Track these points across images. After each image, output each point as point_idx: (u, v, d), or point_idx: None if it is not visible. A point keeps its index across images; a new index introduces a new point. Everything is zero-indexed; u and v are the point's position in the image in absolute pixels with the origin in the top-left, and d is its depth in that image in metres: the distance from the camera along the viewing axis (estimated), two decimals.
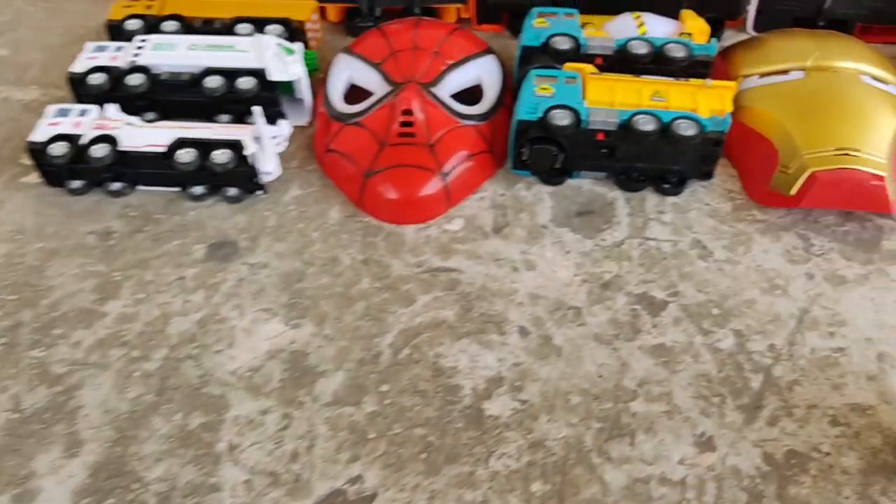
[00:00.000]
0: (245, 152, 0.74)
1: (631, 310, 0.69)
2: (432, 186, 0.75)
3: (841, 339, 0.66)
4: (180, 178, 0.77)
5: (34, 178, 0.79)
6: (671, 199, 0.78)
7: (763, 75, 0.81)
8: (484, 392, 0.63)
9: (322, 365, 0.65)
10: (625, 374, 0.64)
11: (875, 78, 0.79)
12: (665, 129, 0.73)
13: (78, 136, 0.76)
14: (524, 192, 0.79)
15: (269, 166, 0.76)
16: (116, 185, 0.78)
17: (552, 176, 0.79)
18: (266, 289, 0.71)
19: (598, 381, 0.64)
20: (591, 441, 0.60)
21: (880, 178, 0.71)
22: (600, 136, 0.75)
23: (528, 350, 0.66)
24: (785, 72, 0.80)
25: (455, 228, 0.76)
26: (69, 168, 0.76)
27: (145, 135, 0.77)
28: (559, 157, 0.76)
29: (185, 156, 0.75)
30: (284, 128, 0.80)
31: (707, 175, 0.77)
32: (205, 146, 0.75)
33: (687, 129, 0.73)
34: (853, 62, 0.80)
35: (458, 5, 0.96)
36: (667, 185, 0.78)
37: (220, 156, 0.74)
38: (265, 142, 0.77)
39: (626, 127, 0.73)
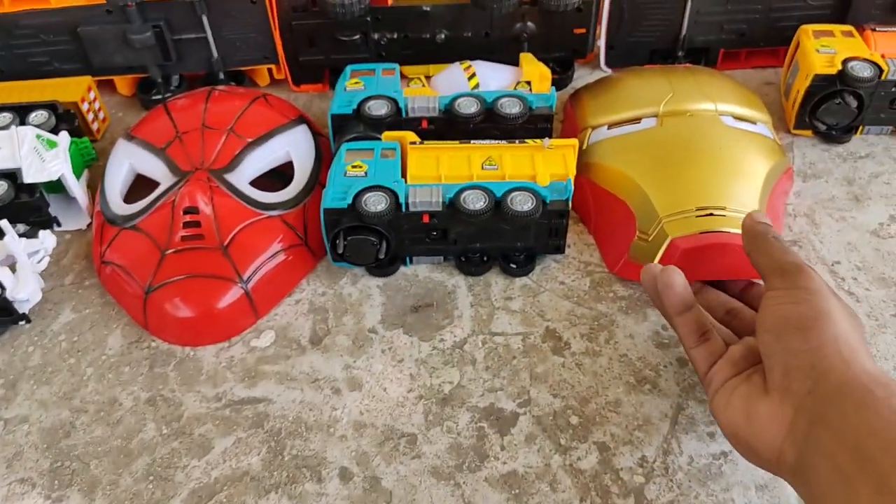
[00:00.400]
0: None
1: (476, 429, 0.57)
2: (230, 297, 0.62)
3: (723, 441, 0.56)
4: None
5: None
6: (520, 281, 0.67)
7: (612, 126, 0.71)
8: None
9: None
10: None
11: (738, 117, 0.69)
12: (498, 205, 0.62)
13: None
14: (349, 287, 0.67)
15: (25, 291, 0.62)
16: None
17: (380, 266, 0.66)
18: (25, 453, 0.57)
19: None
20: None
21: None
22: (426, 219, 0.63)
23: (350, 499, 0.53)
24: (636, 120, 0.70)
25: (265, 344, 0.63)
26: None
27: None
28: (381, 247, 0.64)
29: None
30: (47, 240, 0.65)
31: (557, 249, 0.66)
32: None
33: (523, 204, 0.62)
34: (712, 102, 0.70)
35: (270, 65, 0.83)
36: (514, 265, 0.66)
37: None
38: (20, 261, 0.62)
39: (454, 206, 0.62)
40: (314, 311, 0.65)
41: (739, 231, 0.56)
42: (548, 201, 0.62)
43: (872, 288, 0.65)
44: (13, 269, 0.62)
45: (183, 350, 0.62)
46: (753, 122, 0.70)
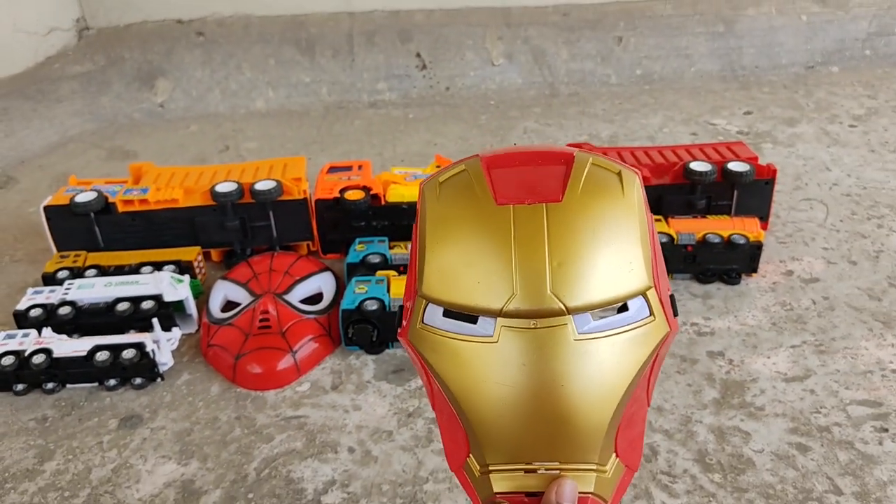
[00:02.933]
0: (147, 349, 1.04)
1: (427, 429, 0.99)
2: (286, 362, 1.06)
3: None
4: (98, 375, 1.05)
5: None
6: None
7: (447, 312, 0.55)
8: (322, 490, 0.90)
9: (205, 486, 0.91)
10: (420, 469, 0.93)
11: (599, 308, 0.54)
12: None
13: (22, 352, 1.05)
14: (354, 361, 1.11)
15: (164, 358, 1.06)
16: (50, 385, 1.05)
17: (373, 347, 1.11)
18: (164, 443, 0.98)
19: (402, 474, 0.92)
20: None
21: (584, 497, 0.51)
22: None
23: (353, 461, 0.94)
24: (472, 317, 0.54)
25: (304, 389, 1.06)
26: (15, 374, 1.04)
27: (72, 345, 1.06)
28: (374, 333, 1.09)
29: (102, 356, 1.04)
30: (176, 332, 1.10)
31: None
32: (116, 348, 1.05)
33: None
34: (563, 299, 0.52)
35: (307, 241, 1.32)
36: None
37: (128, 353, 1.04)
38: (162, 342, 1.07)
39: None
40: (333, 372, 1.09)
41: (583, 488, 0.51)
42: None
43: (666, 358, 1.09)
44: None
45: (255, 393, 1.05)
46: (623, 307, 0.54)
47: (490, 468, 0.52)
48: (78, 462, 0.95)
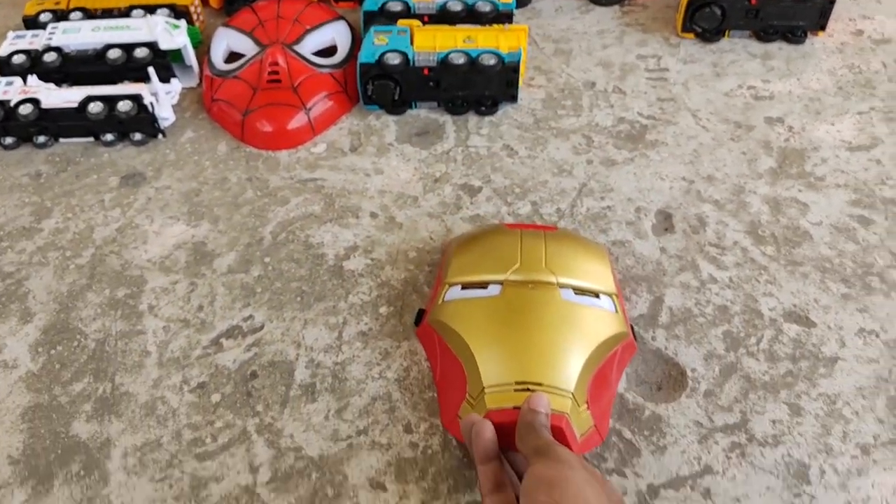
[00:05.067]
0: (144, 101, 0.93)
1: (455, 195, 0.91)
2: (299, 120, 0.96)
3: (609, 201, 0.89)
4: (93, 128, 0.96)
5: None
6: (488, 118, 1.01)
7: (465, 286, 0.72)
8: (343, 256, 0.84)
9: (218, 249, 0.85)
10: (449, 235, 0.86)
11: (578, 291, 0.71)
12: (473, 63, 0.96)
13: (7, 101, 0.94)
14: (374, 121, 1.01)
15: (165, 112, 0.96)
16: (42, 138, 0.96)
17: (394, 107, 1.00)
18: (170, 203, 0.90)
19: (429, 242, 0.85)
20: (422, 278, 0.81)
21: (560, 416, 0.61)
22: (426, 72, 0.97)
23: (377, 227, 0.87)
24: (484, 285, 0.72)
25: (319, 151, 0.97)
26: (2, 126, 0.94)
27: (61, 95, 0.95)
28: (396, 90, 0.98)
29: (95, 108, 0.94)
30: (175, 84, 0.99)
31: (513, 98, 1.00)
32: (110, 100, 0.94)
33: (489, 61, 0.96)
34: (554, 275, 0.71)
35: None
36: (483, 108, 1.00)
37: (124, 105, 0.94)
38: (160, 94, 0.96)
39: (445, 62, 0.96)
40: (351, 133, 0.99)
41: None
42: (506, 61, 0.96)
43: (718, 123, 0.99)
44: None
45: (267, 152, 0.96)
46: (596, 296, 0.71)
47: (486, 390, 0.64)
48: (78, 221, 0.88)
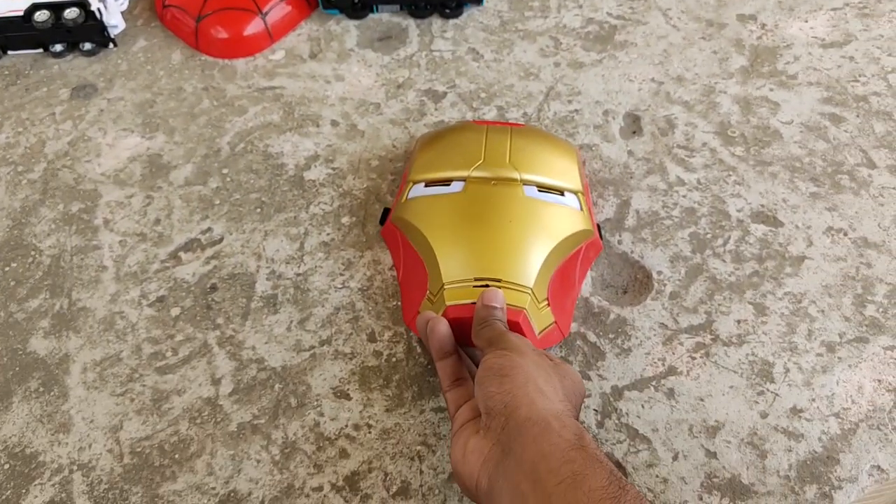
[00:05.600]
0: (91, 7, 0.89)
1: (419, 101, 0.88)
2: (255, 26, 0.92)
3: (577, 104, 0.87)
4: (41, 39, 0.91)
5: None
6: (452, 21, 0.97)
7: (429, 183, 0.71)
8: (304, 165, 0.82)
9: (174, 161, 0.82)
10: (412, 143, 0.83)
11: (542, 188, 0.69)
12: None
13: None
14: (334, 26, 0.97)
15: (114, 20, 0.92)
16: None
17: (355, 11, 0.96)
18: (123, 115, 0.87)
19: (392, 150, 0.83)
20: (385, 187, 0.79)
21: (517, 311, 0.62)
22: None
23: (338, 135, 0.85)
24: (447, 182, 0.70)
25: (278, 58, 0.93)
26: None
27: (5, 3, 0.90)
28: None
29: (41, 16, 0.89)
30: None
31: (479, 1, 0.96)
32: (56, 7, 0.89)
33: None
34: (517, 171, 0.70)
35: None
36: (448, 10, 0.96)
37: (71, 13, 0.89)
38: (108, 1, 0.92)
39: None
40: (311, 39, 0.95)
41: (507, 303, 0.61)
42: None
43: (690, 22, 0.96)
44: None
45: (223, 61, 0.93)
46: (560, 193, 0.70)
47: (445, 286, 0.63)
48: (29, 135, 0.85)
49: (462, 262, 0.65)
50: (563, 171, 0.72)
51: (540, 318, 0.64)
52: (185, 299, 0.70)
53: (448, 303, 0.62)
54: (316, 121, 0.86)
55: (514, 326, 0.61)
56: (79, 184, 0.80)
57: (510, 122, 0.84)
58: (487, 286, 0.62)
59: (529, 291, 0.63)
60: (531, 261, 0.65)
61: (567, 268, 0.68)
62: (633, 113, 0.85)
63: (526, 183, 0.69)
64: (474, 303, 0.61)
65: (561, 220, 0.68)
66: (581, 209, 0.70)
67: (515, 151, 0.72)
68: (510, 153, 0.71)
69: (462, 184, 0.69)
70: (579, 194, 0.71)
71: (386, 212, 0.75)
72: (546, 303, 0.65)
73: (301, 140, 0.84)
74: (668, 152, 0.81)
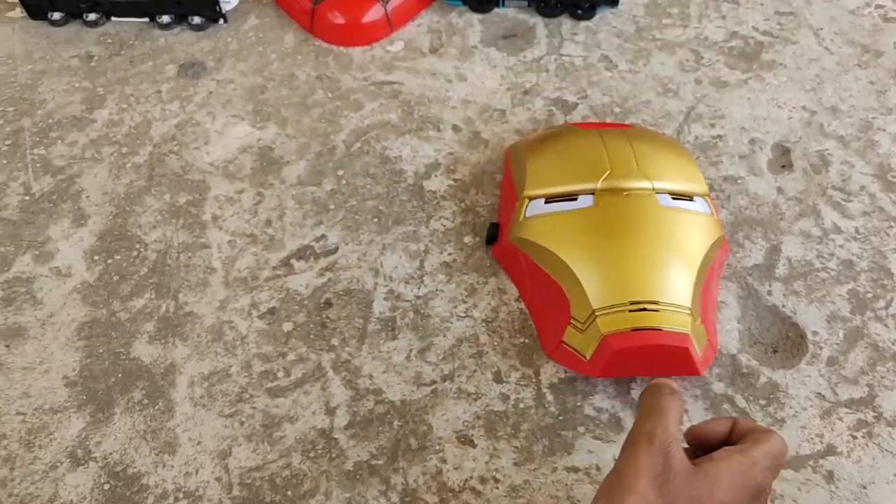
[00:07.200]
0: None
1: (547, 110, 0.82)
2: (375, 13, 0.86)
3: (720, 129, 0.80)
4: (148, 8, 0.86)
5: (18, 12, 0.88)
6: (584, 23, 0.90)
7: (549, 199, 0.66)
8: (424, 174, 0.76)
9: (286, 156, 0.77)
10: (500, 151, 0.77)
11: (675, 195, 0.65)
12: None
13: None
14: (457, 19, 0.90)
15: None
16: (92, 16, 0.87)
17: (480, 4, 0.90)
18: (233, 99, 0.82)
19: None
20: None
21: (683, 336, 0.58)
22: None
23: (460, 142, 0.79)
24: (573, 196, 0.65)
25: (396, 49, 0.87)
26: (50, 0, 0.85)
27: None
28: None
29: None
30: None
31: (614, 2, 0.89)
32: None
33: None
34: (648, 179, 0.65)
35: None
36: (580, 11, 0.89)
37: None
38: None
39: None
40: (431, 31, 0.89)
41: (671, 327, 0.57)
42: None
43: (844, 46, 0.88)
44: None
45: (338, 48, 0.87)
46: (690, 198, 0.65)
47: (596, 314, 0.59)
48: (134, 113, 0.80)
49: (611, 285, 0.60)
50: (689, 174, 0.67)
51: (699, 338, 0.60)
52: (297, 314, 0.66)
53: (604, 331, 0.58)
54: (437, 124, 0.80)
55: (683, 353, 0.58)
56: (186, 172, 0.75)
57: (610, 122, 0.79)
58: (645, 310, 0.58)
59: (689, 311, 0.59)
60: (684, 278, 0.60)
61: (710, 279, 0.64)
62: (782, 144, 0.78)
63: (659, 192, 0.64)
64: (634, 330, 0.58)
65: (700, 230, 0.64)
66: (711, 213, 0.66)
67: (641, 157, 0.66)
68: (636, 160, 0.66)
69: (591, 197, 0.64)
70: (706, 197, 0.67)
71: (493, 227, 0.69)
72: (700, 320, 0.61)
73: (420, 144, 0.78)
74: (823, 193, 0.74)
